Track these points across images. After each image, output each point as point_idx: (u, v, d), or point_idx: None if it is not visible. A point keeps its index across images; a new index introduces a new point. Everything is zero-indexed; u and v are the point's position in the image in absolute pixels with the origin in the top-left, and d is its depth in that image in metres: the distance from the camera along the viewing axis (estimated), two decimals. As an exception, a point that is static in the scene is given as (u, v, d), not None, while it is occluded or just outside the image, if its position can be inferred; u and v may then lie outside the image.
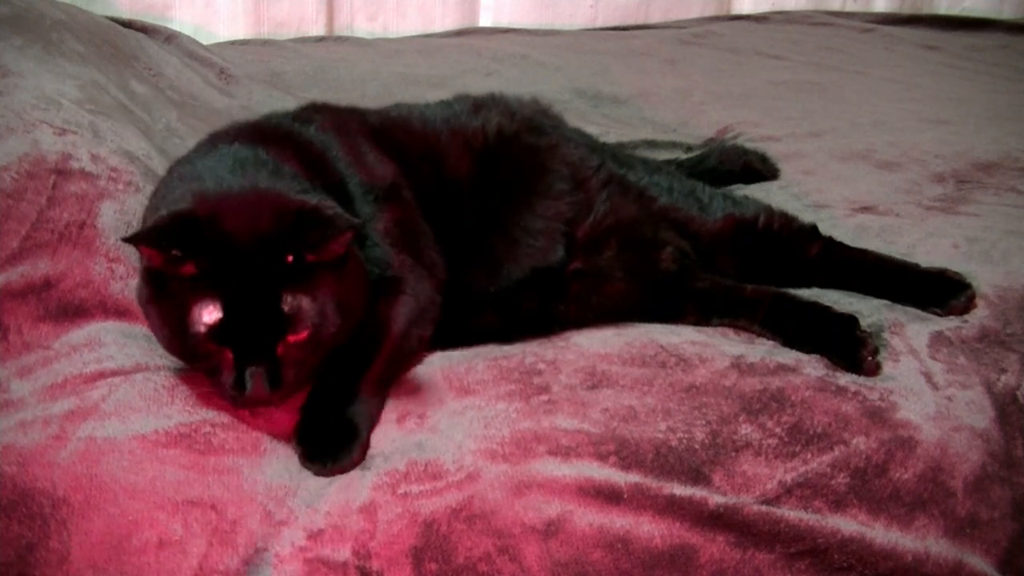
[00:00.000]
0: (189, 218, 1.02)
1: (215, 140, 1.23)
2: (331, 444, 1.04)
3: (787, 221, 1.43)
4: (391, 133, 1.33)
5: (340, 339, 1.07)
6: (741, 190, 1.63)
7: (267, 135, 1.21)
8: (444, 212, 1.28)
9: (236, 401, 1.04)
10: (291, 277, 1.01)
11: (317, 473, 1.02)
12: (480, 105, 1.40)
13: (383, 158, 1.27)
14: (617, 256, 1.33)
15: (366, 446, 1.05)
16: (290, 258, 1.01)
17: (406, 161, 1.29)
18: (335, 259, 1.05)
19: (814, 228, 1.43)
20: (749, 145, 1.95)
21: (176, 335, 1.03)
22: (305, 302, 1.01)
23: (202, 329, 1.00)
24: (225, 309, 0.99)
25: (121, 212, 1.24)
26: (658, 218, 1.36)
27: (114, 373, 1.10)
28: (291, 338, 1.01)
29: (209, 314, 0.99)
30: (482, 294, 1.28)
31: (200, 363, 1.04)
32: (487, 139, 1.34)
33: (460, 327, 1.23)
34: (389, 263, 1.18)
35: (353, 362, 1.10)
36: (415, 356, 1.19)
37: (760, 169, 1.78)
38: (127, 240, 1.03)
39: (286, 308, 1.00)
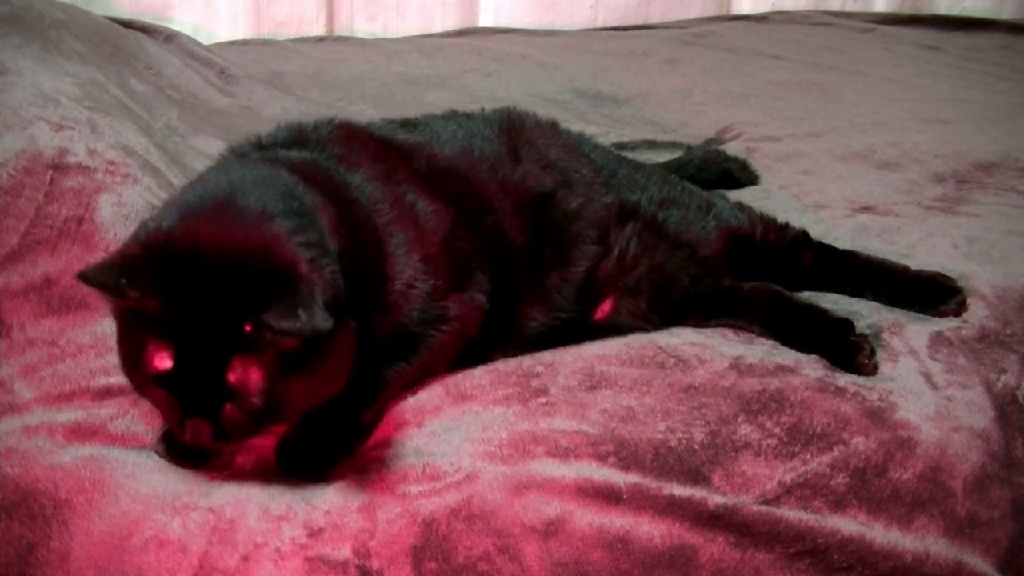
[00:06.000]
0: (158, 248, 0.94)
1: (238, 156, 1.15)
2: (307, 459, 1.03)
3: (780, 231, 1.43)
4: (444, 182, 1.22)
5: (308, 408, 0.99)
6: (734, 195, 1.62)
7: (308, 175, 1.08)
8: (497, 272, 1.22)
9: (180, 439, 0.97)
10: (246, 345, 0.91)
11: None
12: (514, 144, 1.33)
13: (436, 206, 1.18)
14: (648, 302, 1.33)
15: (346, 461, 1.03)
16: (248, 327, 0.91)
17: (464, 211, 1.21)
18: (299, 346, 0.92)
19: (806, 236, 1.43)
20: (745, 146, 1.95)
21: (128, 365, 0.96)
22: (255, 377, 0.92)
23: (151, 372, 0.93)
24: (175, 360, 0.92)
25: (119, 204, 1.24)
26: (673, 248, 1.35)
27: (122, 391, 1.09)
28: (237, 407, 0.93)
29: (161, 360, 0.92)
30: (511, 339, 1.25)
31: (147, 398, 0.98)
32: (532, 200, 1.29)
33: (478, 357, 1.21)
34: (434, 296, 1.12)
35: (372, 382, 1.08)
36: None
37: (739, 176, 1.77)
38: (81, 278, 0.93)
39: (232, 379, 0.91)
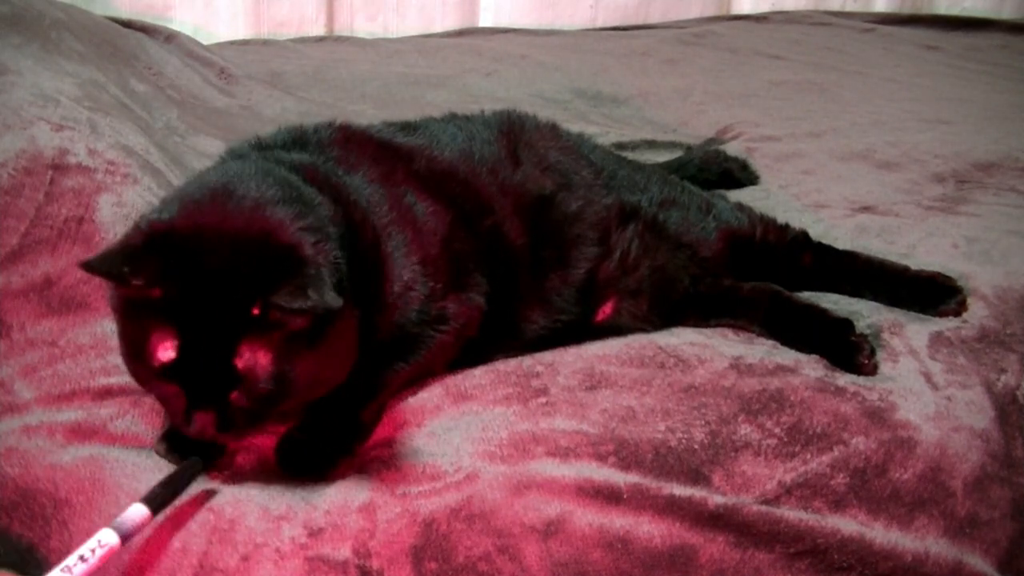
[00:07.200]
0: (161, 236, 0.93)
1: (237, 157, 1.15)
2: (307, 459, 1.03)
3: (780, 232, 1.43)
4: (444, 184, 1.23)
5: (314, 396, 1.00)
6: (734, 195, 1.62)
7: (306, 175, 1.09)
8: (497, 273, 1.22)
9: (184, 432, 0.97)
10: (254, 328, 0.92)
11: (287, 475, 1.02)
12: (513, 147, 1.33)
13: (435, 208, 1.18)
14: (650, 303, 1.33)
15: (345, 461, 1.03)
16: (256, 311, 0.91)
17: (463, 212, 1.21)
18: (307, 326, 0.94)
19: (806, 236, 1.43)
20: (745, 146, 1.95)
21: (131, 359, 0.95)
22: (264, 360, 0.92)
23: (155, 364, 0.92)
24: (180, 350, 0.91)
25: (119, 204, 1.24)
26: (674, 249, 1.35)
27: (123, 392, 1.10)
28: (244, 393, 0.93)
29: (164, 351, 0.91)
30: (511, 340, 1.25)
31: (151, 392, 0.98)
32: (532, 202, 1.29)
33: (478, 358, 1.21)
34: (433, 297, 1.12)
35: (371, 382, 1.08)
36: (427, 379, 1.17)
37: (740, 176, 1.77)
38: (84, 267, 0.92)
39: (240, 364, 0.91)
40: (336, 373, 1.00)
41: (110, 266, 0.92)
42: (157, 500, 0.93)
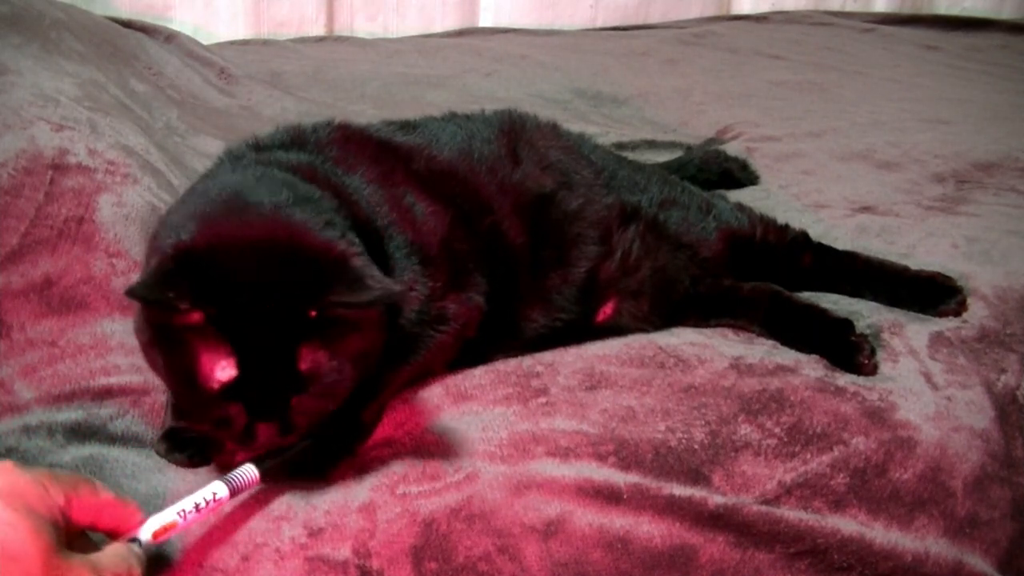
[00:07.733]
0: (187, 257, 0.91)
1: (235, 159, 1.14)
2: (307, 460, 1.02)
3: (780, 232, 1.43)
4: (443, 183, 1.22)
5: (358, 380, 1.00)
6: (734, 195, 1.62)
7: (305, 176, 1.09)
8: (496, 272, 1.21)
9: (243, 448, 0.98)
10: (311, 331, 0.92)
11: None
12: (513, 146, 1.32)
13: (434, 207, 1.18)
14: (651, 304, 1.33)
15: (345, 461, 1.04)
16: (314, 313, 0.91)
17: (462, 212, 1.21)
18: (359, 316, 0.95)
19: (806, 236, 1.43)
20: (745, 146, 1.95)
21: (183, 386, 0.93)
22: (324, 359, 0.92)
23: (215, 387, 0.90)
24: (240, 365, 0.90)
25: (119, 204, 1.24)
26: (674, 249, 1.35)
27: (123, 391, 1.10)
28: (308, 394, 0.94)
29: (222, 370, 0.90)
30: (511, 340, 1.25)
31: (208, 415, 0.96)
32: (531, 201, 1.28)
33: (478, 358, 1.20)
34: (432, 298, 1.12)
35: (371, 382, 1.07)
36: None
37: (739, 176, 1.77)
38: (128, 294, 0.90)
39: (304, 367, 0.91)
40: (376, 353, 1.01)
41: (156, 294, 0.90)
42: (267, 466, 0.95)
